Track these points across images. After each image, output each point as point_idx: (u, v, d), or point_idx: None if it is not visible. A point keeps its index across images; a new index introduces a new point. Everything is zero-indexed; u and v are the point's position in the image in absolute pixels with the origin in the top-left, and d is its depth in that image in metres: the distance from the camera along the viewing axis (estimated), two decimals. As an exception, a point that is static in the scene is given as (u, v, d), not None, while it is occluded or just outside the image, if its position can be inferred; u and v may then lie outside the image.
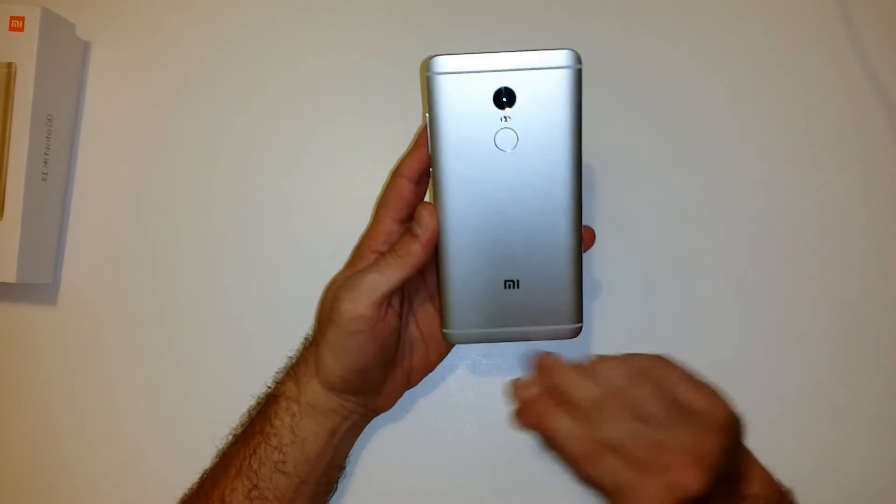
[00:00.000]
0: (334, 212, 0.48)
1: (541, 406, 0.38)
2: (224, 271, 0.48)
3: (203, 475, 0.43)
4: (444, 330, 0.40)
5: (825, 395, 0.46)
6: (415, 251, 0.38)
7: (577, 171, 0.38)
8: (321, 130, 0.48)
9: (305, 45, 0.49)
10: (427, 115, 0.37)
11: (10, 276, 0.44)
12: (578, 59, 0.36)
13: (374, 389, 0.42)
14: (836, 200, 0.47)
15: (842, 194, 0.47)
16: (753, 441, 0.46)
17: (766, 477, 0.41)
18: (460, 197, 0.38)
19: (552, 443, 0.38)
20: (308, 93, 0.48)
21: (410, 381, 0.44)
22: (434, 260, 0.40)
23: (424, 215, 0.38)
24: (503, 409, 0.46)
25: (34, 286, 0.48)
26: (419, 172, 0.39)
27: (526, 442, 0.45)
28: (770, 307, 0.47)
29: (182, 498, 0.43)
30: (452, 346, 0.44)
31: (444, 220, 0.38)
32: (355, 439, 0.44)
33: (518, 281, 0.39)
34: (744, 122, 0.48)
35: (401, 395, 0.44)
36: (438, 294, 0.40)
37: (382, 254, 0.40)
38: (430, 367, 0.44)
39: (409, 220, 0.40)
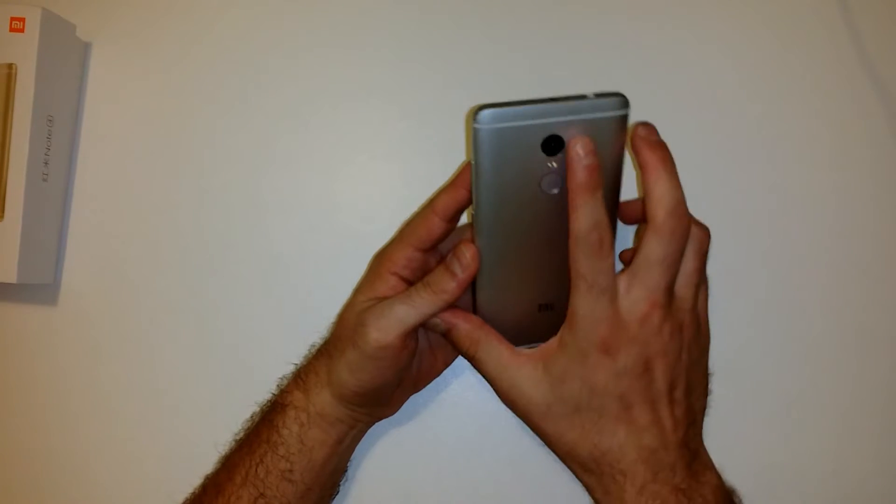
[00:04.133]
0: (337, 213, 0.48)
1: None
2: (224, 272, 0.48)
3: (205, 481, 0.43)
4: None
5: (825, 395, 0.46)
6: (450, 289, 0.38)
7: (615, 208, 0.38)
8: (323, 131, 0.48)
9: (306, 44, 0.49)
10: (473, 162, 0.36)
11: (11, 276, 0.44)
12: (626, 104, 0.35)
13: (385, 401, 0.42)
14: (836, 200, 0.47)
15: (843, 194, 0.47)
16: (754, 441, 0.46)
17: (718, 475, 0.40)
18: (502, 236, 0.37)
19: None
20: (309, 92, 0.48)
21: (417, 387, 0.44)
22: (471, 291, 0.40)
23: (467, 256, 0.37)
24: (503, 409, 0.46)
25: (34, 286, 0.48)
26: (453, 212, 0.39)
27: (526, 442, 0.45)
28: (770, 307, 0.47)
29: (183, 502, 0.43)
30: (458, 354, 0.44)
31: (485, 253, 0.38)
32: (357, 443, 0.44)
33: (552, 304, 0.40)
34: (744, 123, 0.48)
35: (406, 401, 0.44)
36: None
37: (412, 283, 0.40)
38: (436, 374, 0.44)
39: (430, 249, 0.40)
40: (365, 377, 0.39)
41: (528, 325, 0.40)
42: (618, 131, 0.36)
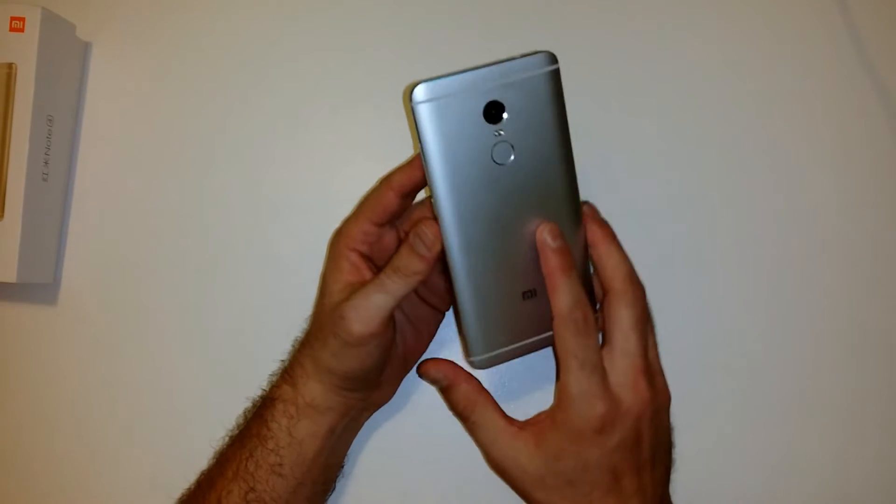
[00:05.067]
0: (337, 213, 0.48)
1: None
2: (224, 271, 0.48)
3: (200, 476, 0.43)
4: (471, 359, 0.40)
5: (825, 395, 0.46)
6: (419, 269, 0.38)
7: (572, 166, 0.38)
8: (323, 131, 0.48)
9: (306, 44, 0.49)
10: (420, 143, 0.36)
11: (10, 276, 0.44)
12: (555, 59, 0.37)
13: (374, 383, 0.42)
14: (837, 200, 0.47)
15: (843, 194, 0.47)
16: (754, 441, 0.46)
17: None
18: (466, 219, 0.37)
19: None
20: (309, 92, 0.48)
21: (407, 366, 0.44)
22: (448, 289, 0.40)
23: (429, 235, 0.37)
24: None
25: (34, 286, 0.48)
26: (409, 189, 0.39)
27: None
28: (770, 307, 0.47)
29: (180, 498, 0.43)
30: (440, 320, 0.45)
31: (453, 243, 0.37)
32: (353, 437, 0.44)
33: (535, 290, 0.39)
34: (744, 123, 0.48)
35: (399, 383, 0.44)
36: (458, 323, 0.40)
37: (370, 258, 0.40)
38: (423, 347, 0.45)
39: (386, 224, 0.40)
40: (353, 363, 0.39)
41: (515, 317, 0.39)
42: (552, 87, 0.37)
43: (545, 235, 0.38)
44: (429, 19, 0.49)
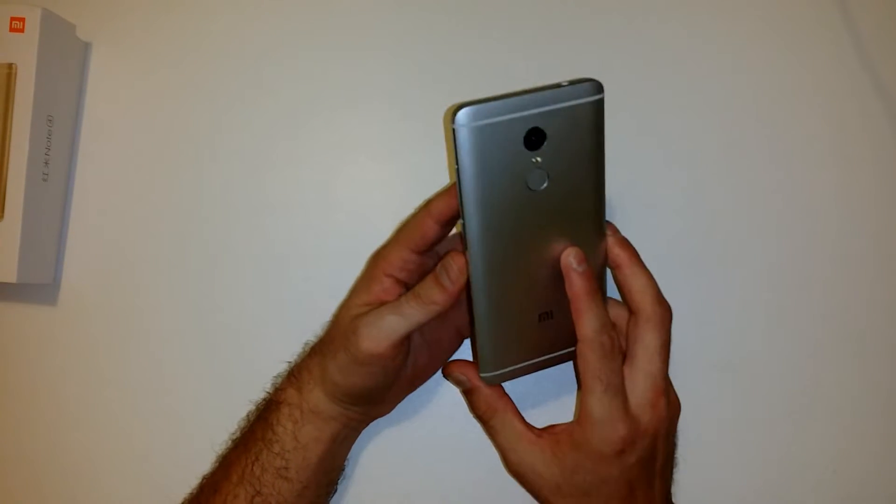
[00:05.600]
0: (337, 214, 0.48)
1: None
2: (225, 271, 0.48)
3: (203, 479, 0.43)
4: (484, 374, 0.40)
5: (825, 395, 0.46)
6: (440, 300, 0.38)
7: (603, 193, 0.38)
8: (323, 131, 0.48)
9: (306, 44, 0.49)
10: (456, 166, 0.35)
11: (10, 276, 0.44)
12: (601, 88, 0.36)
13: (377, 401, 0.42)
14: (837, 200, 0.47)
15: (844, 194, 0.47)
16: (754, 441, 0.46)
17: None
18: (493, 243, 0.37)
19: None
20: (309, 93, 0.48)
21: (414, 386, 0.44)
22: (466, 304, 0.40)
23: (454, 269, 0.37)
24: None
25: (34, 286, 0.48)
26: (448, 217, 0.39)
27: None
28: (770, 307, 0.47)
29: (182, 502, 0.43)
30: (458, 346, 0.45)
31: (477, 266, 0.37)
32: (353, 442, 0.44)
33: (552, 312, 0.39)
34: (744, 123, 0.48)
35: (402, 400, 0.44)
36: (472, 337, 0.39)
37: (407, 284, 0.40)
38: (434, 370, 0.44)
39: (426, 251, 0.40)
40: (357, 380, 0.39)
41: (530, 338, 0.40)
42: (596, 116, 0.36)
43: (570, 259, 0.37)
44: (429, 19, 0.49)
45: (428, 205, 0.39)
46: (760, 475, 0.46)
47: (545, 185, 0.36)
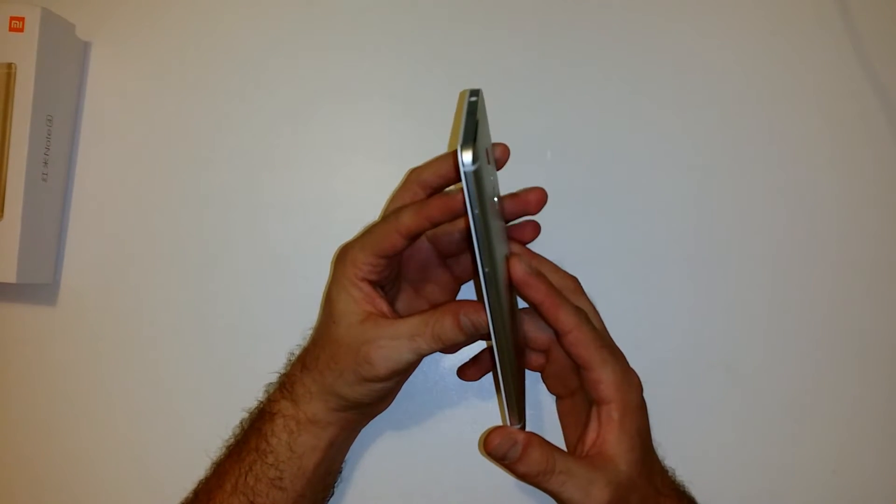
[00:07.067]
0: (337, 213, 0.48)
1: None
2: (224, 271, 0.48)
3: (197, 486, 0.43)
4: (518, 426, 0.38)
5: (825, 395, 0.46)
6: (458, 341, 0.38)
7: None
8: (323, 131, 0.48)
9: (306, 44, 0.49)
10: (476, 212, 0.31)
11: (10, 276, 0.44)
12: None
13: (382, 402, 0.43)
14: (837, 200, 0.47)
15: (844, 194, 0.47)
16: (754, 441, 0.46)
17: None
18: (503, 287, 0.35)
19: None
20: (309, 92, 0.48)
21: (407, 376, 0.44)
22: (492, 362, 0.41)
23: (481, 322, 0.37)
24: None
25: (34, 286, 0.48)
26: (416, 234, 0.38)
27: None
28: (770, 307, 0.47)
29: None
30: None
31: (497, 318, 0.34)
32: (350, 444, 0.44)
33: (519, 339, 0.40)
34: (744, 123, 0.48)
35: (397, 393, 0.44)
36: (504, 390, 0.37)
37: (381, 285, 0.40)
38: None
39: (393, 258, 0.39)
40: (366, 393, 0.39)
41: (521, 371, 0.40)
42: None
43: (524, 268, 0.37)
44: (429, 19, 0.49)
45: (398, 218, 0.38)
46: (760, 475, 0.46)
47: (496, 199, 0.36)
